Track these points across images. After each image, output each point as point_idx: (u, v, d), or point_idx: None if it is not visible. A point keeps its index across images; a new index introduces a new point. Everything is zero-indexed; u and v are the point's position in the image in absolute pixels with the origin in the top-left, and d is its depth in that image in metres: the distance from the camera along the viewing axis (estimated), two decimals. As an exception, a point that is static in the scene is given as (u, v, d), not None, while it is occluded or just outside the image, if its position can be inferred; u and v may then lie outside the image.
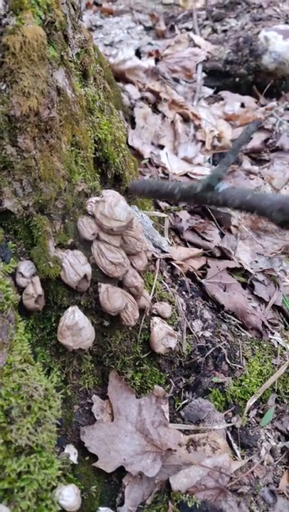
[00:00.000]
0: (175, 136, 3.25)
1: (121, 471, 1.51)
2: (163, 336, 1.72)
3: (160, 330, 1.72)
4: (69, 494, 1.28)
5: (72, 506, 1.28)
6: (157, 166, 2.97)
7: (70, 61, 1.50)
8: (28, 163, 1.30)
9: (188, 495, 1.51)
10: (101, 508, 1.43)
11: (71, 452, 1.42)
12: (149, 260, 1.94)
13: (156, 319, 1.75)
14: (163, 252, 2.04)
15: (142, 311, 1.71)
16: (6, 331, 1.25)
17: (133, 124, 3.20)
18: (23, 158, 1.29)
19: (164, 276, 1.96)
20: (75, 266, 1.40)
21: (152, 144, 3.18)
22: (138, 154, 2.99)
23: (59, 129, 1.41)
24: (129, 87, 3.56)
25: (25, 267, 1.38)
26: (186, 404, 1.80)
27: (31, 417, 1.21)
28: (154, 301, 1.83)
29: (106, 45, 3.79)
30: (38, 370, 1.34)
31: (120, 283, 1.60)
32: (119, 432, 1.58)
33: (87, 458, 1.48)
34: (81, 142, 1.52)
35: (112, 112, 1.93)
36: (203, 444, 1.71)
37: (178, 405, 1.80)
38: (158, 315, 1.79)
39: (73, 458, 1.42)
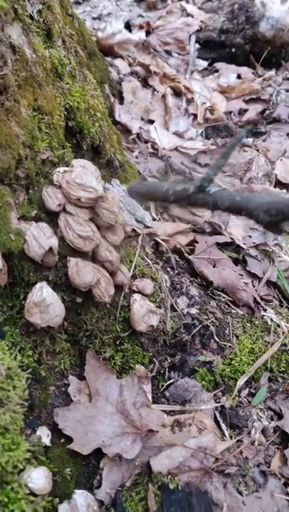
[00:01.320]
0: (166, 111, 3.13)
1: (99, 453, 1.44)
2: (144, 313, 1.63)
3: (141, 307, 1.63)
4: (38, 477, 1.22)
5: (42, 489, 1.21)
6: (146, 142, 2.86)
7: (30, 18, 1.40)
8: (-19, 128, 1.21)
9: (170, 476, 1.44)
10: (77, 491, 1.36)
11: (44, 434, 1.35)
12: (129, 235, 1.85)
13: (136, 296, 1.66)
14: (146, 227, 1.95)
15: (119, 287, 1.62)
16: None
17: (121, 100, 3.08)
18: (-25, 123, 1.20)
19: (147, 252, 1.87)
20: (39, 238, 1.31)
21: (142, 119, 3.06)
22: (126, 130, 2.88)
23: (17, 91, 1.32)
24: (118, 62, 3.43)
25: (-13, 241, 1.30)
26: (171, 384, 1.72)
27: (-8, 398, 1.14)
28: (135, 277, 1.74)
29: (94, 18, 3.65)
30: (3, 349, 1.27)
31: (94, 258, 1.51)
32: (98, 413, 1.51)
33: (62, 440, 1.41)
34: (45, 107, 1.42)
35: (85, 78, 1.82)
36: (188, 425, 1.63)
37: (162, 385, 1.72)
38: (139, 292, 1.70)
39: (46, 440, 1.35)
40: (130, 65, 3.51)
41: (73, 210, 1.40)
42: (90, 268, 1.40)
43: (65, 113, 1.64)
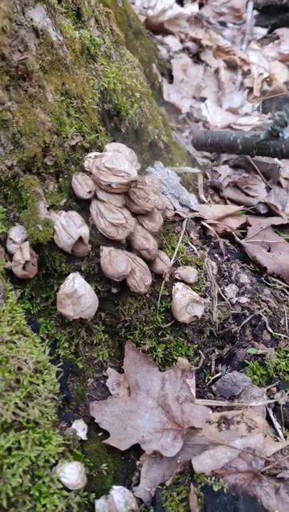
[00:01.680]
0: (219, 86, 2.95)
1: (139, 449, 1.39)
2: (186, 303, 1.54)
3: (183, 297, 1.54)
4: (71, 472, 1.19)
5: (75, 485, 1.19)
6: (197, 121, 2.71)
7: (55, -2, 1.33)
8: (3, 116, 1.17)
9: (214, 478, 1.35)
10: (115, 487, 1.32)
11: (79, 428, 1.33)
12: (172, 220, 1.75)
13: (178, 285, 1.57)
14: (191, 211, 1.84)
15: (160, 276, 1.54)
16: (-9, 301, 1.17)
17: (171, 79, 2.94)
18: (-3, 112, 1.16)
19: (192, 238, 1.76)
20: (68, 228, 1.26)
21: (193, 97, 2.90)
22: (176, 110, 2.75)
23: (42, 76, 1.27)
24: (168, 39, 3.28)
25: (16, 232, 1.28)
26: (218, 378, 1.62)
27: (21, 392, 1.13)
28: (177, 265, 1.65)
29: (143, -4, 3.51)
30: (34, 341, 1.25)
31: (129, 246, 1.44)
32: (138, 408, 1.46)
33: (99, 434, 1.38)
34: (73, 91, 1.36)
35: (122, 58, 1.74)
36: (237, 423, 1.53)
37: (208, 379, 1.62)
38: (181, 280, 1.60)
39: (82, 434, 1.32)
40: (182, 41, 3.35)
41: (105, 196, 1.34)
42: (123, 257, 1.33)
43: (100, 96, 1.58)
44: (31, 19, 1.21)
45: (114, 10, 2.23)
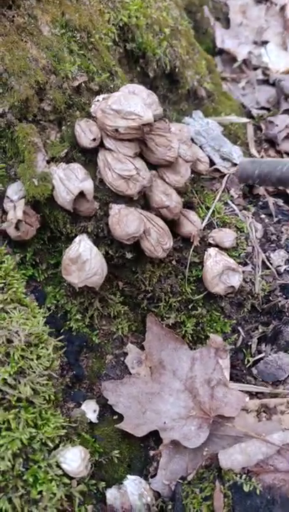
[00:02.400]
0: (285, 26, 2.55)
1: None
2: (220, 271, 1.31)
3: (216, 263, 1.31)
4: (73, 458, 1.05)
5: (77, 472, 1.05)
6: (256, 68, 2.37)
7: None
8: (-14, 52, 1.02)
9: (245, 476, 1.14)
10: (130, 477, 1.17)
11: (90, 409, 1.18)
12: (210, 177, 1.51)
13: (211, 250, 1.34)
14: (234, 165, 1.57)
15: (188, 240, 1.32)
16: (-20, 265, 1.04)
17: (227, 24, 2.60)
18: (-22, 47, 1.01)
19: (232, 196, 1.50)
20: (67, 182, 1.09)
21: (254, 43, 2.55)
22: (232, 58, 2.43)
23: (35, 4, 1.09)
24: (229, -21, 2.91)
25: (14, 190, 1.14)
26: (260, 359, 1.38)
27: (10, 367, 1.00)
28: (212, 227, 1.41)
29: None
30: (34, 311, 1.11)
31: (147, 204, 1.24)
32: (161, 390, 1.28)
33: (115, 417, 1.22)
34: (76, 22, 1.16)
35: (148, -14, 1.49)
36: (281, 413, 1.29)
37: (248, 361, 1.38)
38: (216, 245, 1.37)
39: (91, 416, 1.18)
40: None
41: (113, 144, 1.14)
42: (134, 216, 1.14)
43: (120, 33, 1.37)
44: None
45: None
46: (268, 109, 2.12)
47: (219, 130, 1.63)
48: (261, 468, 1.17)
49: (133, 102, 1.12)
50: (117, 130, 1.11)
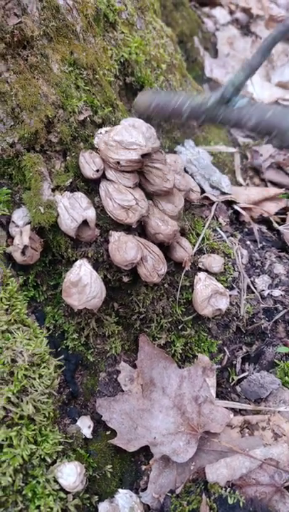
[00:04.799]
0: (269, 59, 2.69)
1: (150, 451, 1.28)
2: (209, 294, 1.39)
3: (205, 288, 1.40)
4: (70, 473, 1.11)
5: (73, 487, 1.10)
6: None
7: None
8: (0, 88, 1.08)
9: (230, 489, 1.22)
10: (121, 491, 1.23)
11: (84, 425, 1.24)
12: (200, 204, 1.60)
13: (201, 275, 1.43)
14: (223, 193, 1.67)
15: (179, 264, 1.40)
16: (-14, 287, 1.10)
17: (216, 53, 2.73)
18: (-6, 84, 1.08)
19: (221, 223, 1.60)
20: (71, 210, 1.16)
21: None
22: (219, 86, 2.55)
23: (46, 44, 1.16)
24: (217, 11, 3.05)
25: (19, 215, 1.20)
26: (244, 378, 1.47)
27: (14, 386, 1.05)
28: (202, 253, 1.50)
29: None
30: (35, 332, 1.17)
31: (144, 230, 1.32)
32: (152, 406, 1.35)
33: (108, 433, 1.28)
34: (83, 60, 1.24)
35: (147, 26, 1.59)
36: (262, 429, 1.38)
37: (233, 379, 1.47)
38: (205, 270, 1.46)
39: (86, 431, 1.24)
40: (231, 12, 3.11)
41: (114, 176, 1.22)
42: (133, 243, 1.21)
43: (120, 68, 1.46)
44: (32, -19, 1.10)
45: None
46: (253, 138, 2.25)
47: (209, 159, 1.73)
48: (244, 481, 1.25)
49: (134, 134, 1.21)
50: (118, 163, 1.19)
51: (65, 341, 1.31)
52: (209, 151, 1.80)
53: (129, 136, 1.19)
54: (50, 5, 1.15)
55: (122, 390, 1.36)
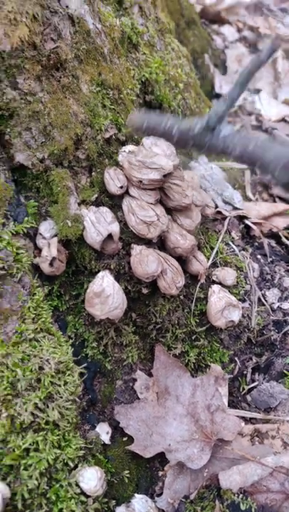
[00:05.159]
0: (275, 77, 2.78)
1: (165, 458, 1.33)
2: (222, 306, 1.45)
3: (219, 300, 1.45)
4: (91, 477, 1.15)
5: (94, 491, 1.15)
6: (250, 114, 2.58)
7: (93, -16, 1.28)
8: (35, 107, 1.14)
9: (242, 495, 1.26)
10: (137, 495, 1.28)
11: (103, 431, 1.29)
12: (213, 218, 1.66)
13: (215, 287, 1.48)
14: (235, 208, 1.73)
15: (195, 277, 1.46)
16: (16, 296, 1.15)
17: (225, 70, 2.82)
18: (28, 103, 1.13)
19: (233, 238, 1.66)
20: (97, 224, 1.22)
21: (247, 89, 2.76)
22: (228, 102, 2.62)
23: (77, 66, 1.22)
24: (225, 29, 3.15)
25: (46, 227, 1.25)
26: (254, 388, 1.52)
27: (41, 392, 1.10)
28: (216, 266, 1.56)
29: (200, -16, 3.39)
30: (59, 340, 1.22)
31: (163, 244, 1.38)
32: (166, 414, 1.39)
33: (124, 439, 1.33)
34: (110, 81, 1.30)
35: (166, 47, 1.66)
36: (272, 437, 1.43)
37: (243, 389, 1.52)
38: (218, 282, 1.51)
39: (105, 437, 1.28)
40: (239, 30, 3.20)
41: (136, 193, 1.28)
42: (154, 257, 1.27)
43: (141, 87, 1.52)
44: (67, 6, 1.17)
45: (164, -2, 2.15)
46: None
47: (222, 175, 1.79)
48: (256, 488, 1.30)
49: (157, 152, 1.27)
50: (141, 181, 1.24)
51: (84, 349, 1.35)
52: (221, 166, 1.86)
53: (155, 157, 1.24)
54: (82, 29, 1.21)
55: (138, 398, 1.41)
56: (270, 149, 0.91)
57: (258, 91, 2.74)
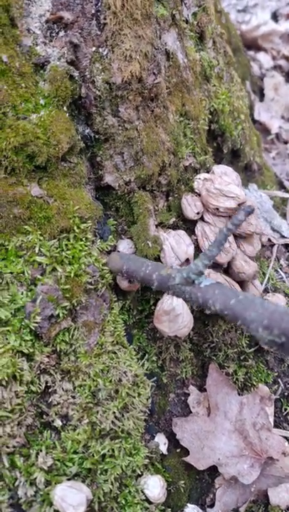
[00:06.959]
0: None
1: (213, 470, 1.40)
2: (273, 330, 1.53)
3: (270, 324, 1.53)
4: (154, 485, 1.22)
5: (157, 498, 1.22)
6: (286, 142, 2.68)
7: (184, 21, 1.37)
8: (130, 134, 1.22)
9: (288, 512, 1.34)
10: (189, 505, 1.34)
11: (161, 442, 1.36)
12: (263, 245, 1.75)
13: (266, 311, 1.56)
14: (282, 236, 1.82)
15: (250, 301, 1.54)
16: (99, 310, 1.22)
17: (262, 97, 2.92)
18: (125, 130, 1.21)
19: (281, 265, 1.75)
20: (176, 249, 1.29)
21: (282, 117, 2.87)
22: (265, 129, 2.73)
23: (166, 97, 1.30)
24: (261, 56, 3.26)
25: (125, 246, 1.32)
26: (295, 409, 1.60)
27: (118, 402, 1.17)
28: (266, 291, 1.64)
29: (239, 11, 3.51)
30: (131, 353, 1.29)
31: (227, 268, 1.46)
32: (215, 429, 1.47)
33: (178, 450, 1.40)
34: (191, 112, 1.39)
35: (232, 79, 1.75)
36: (312, 458, 1.50)
37: (286, 409, 1.60)
38: (269, 307, 1.60)
39: (163, 448, 1.35)
40: (274, 58, 3.32)
41: (211, 219, 1.36)
42: (221, 281, 1.35)
43: (210, 116, 1.60)
44: (165, 43, 1.25)
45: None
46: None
47: (270, 203, 1.88)
48: (299, 506, 1.38)
49: (232, 186, 1.35)
50: (217, 209, 1.33)
51: (145, 362, 1.42)
52: (268, 195, 1.95)
53: (227, 186, 1.33)
54: (175, 64, 1.30)
55: (189, 410, 1.48)
56: (251, 306, 0.89)
57: (292, 120, 2.85)
